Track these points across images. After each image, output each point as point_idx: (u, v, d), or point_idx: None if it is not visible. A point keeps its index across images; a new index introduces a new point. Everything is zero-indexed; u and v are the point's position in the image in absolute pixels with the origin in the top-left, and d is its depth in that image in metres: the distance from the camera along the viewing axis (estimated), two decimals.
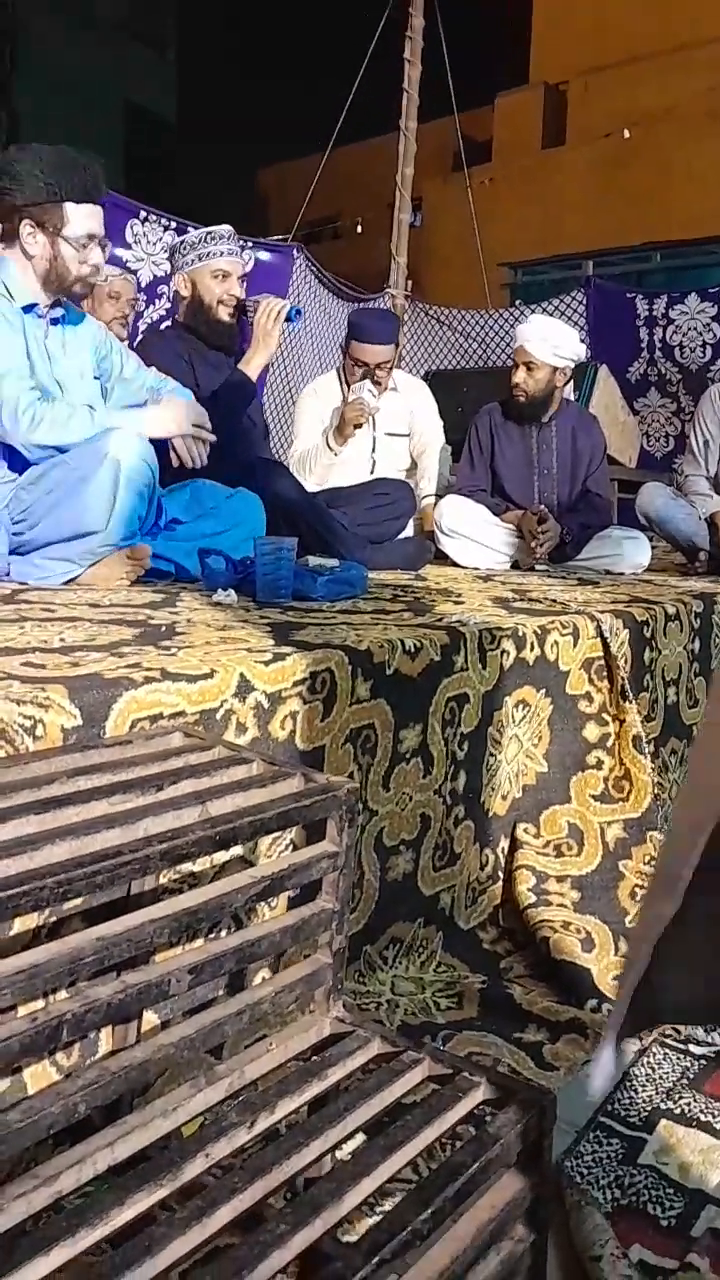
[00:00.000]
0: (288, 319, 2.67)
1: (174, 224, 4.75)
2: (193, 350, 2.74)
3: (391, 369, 3.38)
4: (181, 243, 2.80)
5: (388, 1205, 0.88)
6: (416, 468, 3.69)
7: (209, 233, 2.77)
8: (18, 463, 2.10)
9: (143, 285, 4.55)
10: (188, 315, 2.80)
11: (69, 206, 2.06)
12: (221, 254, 2.74)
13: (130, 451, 1.96)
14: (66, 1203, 0.80)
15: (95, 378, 2.28)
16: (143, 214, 4.67)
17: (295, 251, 5.45)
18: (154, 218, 4.70)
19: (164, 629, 1.57)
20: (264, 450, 2.88)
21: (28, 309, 2.11)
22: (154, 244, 4.67)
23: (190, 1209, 0.75)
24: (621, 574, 3.14)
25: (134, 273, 4.42)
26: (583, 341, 5.91)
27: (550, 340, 3.15)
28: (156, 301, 4.75)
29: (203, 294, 2.74)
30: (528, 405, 3.19)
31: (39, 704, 1.04)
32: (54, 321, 2.20)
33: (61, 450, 2.04)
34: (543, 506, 3.15)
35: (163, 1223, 0.73)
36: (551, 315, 6.01)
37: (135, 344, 2.84)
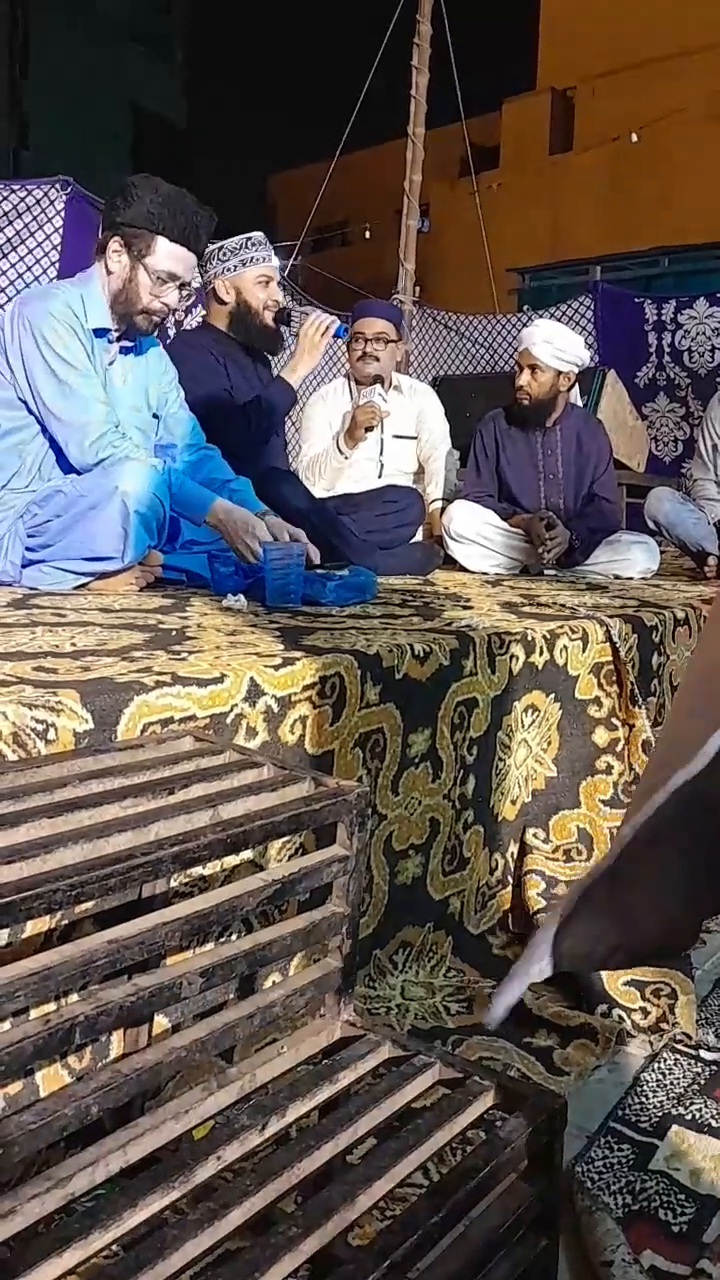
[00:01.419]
0: (336, 335, 2.73)
1: None
2: (227, 354, 2.78)
3: (390, 346, 3.44)
4: (220, 248, 2.81)
5: (398, 1209, 0.88)
6: (424, 472, 3.71)
7: (248, 239, 2.82)
8: (24, 476, 2.11)
9: None
10: (231, 320, 2.83)
11: (161, 240, 2.10)
12: (263, 260, 2.79)
13: (139, 484, 1.97)
14: (79, 1204, 0.81)
15: (154, 415, 2.29)
16: None
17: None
18: None
19: (174, 634, 1.57)
20: (281, 460, 2.91)
21: (99, 333, 2.13)
22: None
23: (202, 1211, 0.75)
24: (630, 579, 3.13)
25: None
26: (591, 346, 5.93)
27: (554, 344, 3.15)
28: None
29: (249, 299, 2.79)
30: (531, 409, 3.20)
31: (51, 708, 1.05)
32: (123, 351, 2.22)
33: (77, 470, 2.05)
34: (550, 511, 3.15)
35: (174, 1225, 0.74)
36: (559, 320, 6.02)
37: (165, 347, 2.85)
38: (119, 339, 2.19)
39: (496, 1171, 0.83)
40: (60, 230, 4.61)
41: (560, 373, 3.16)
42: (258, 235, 2.86)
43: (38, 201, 4.63)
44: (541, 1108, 0.91)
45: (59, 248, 4.61)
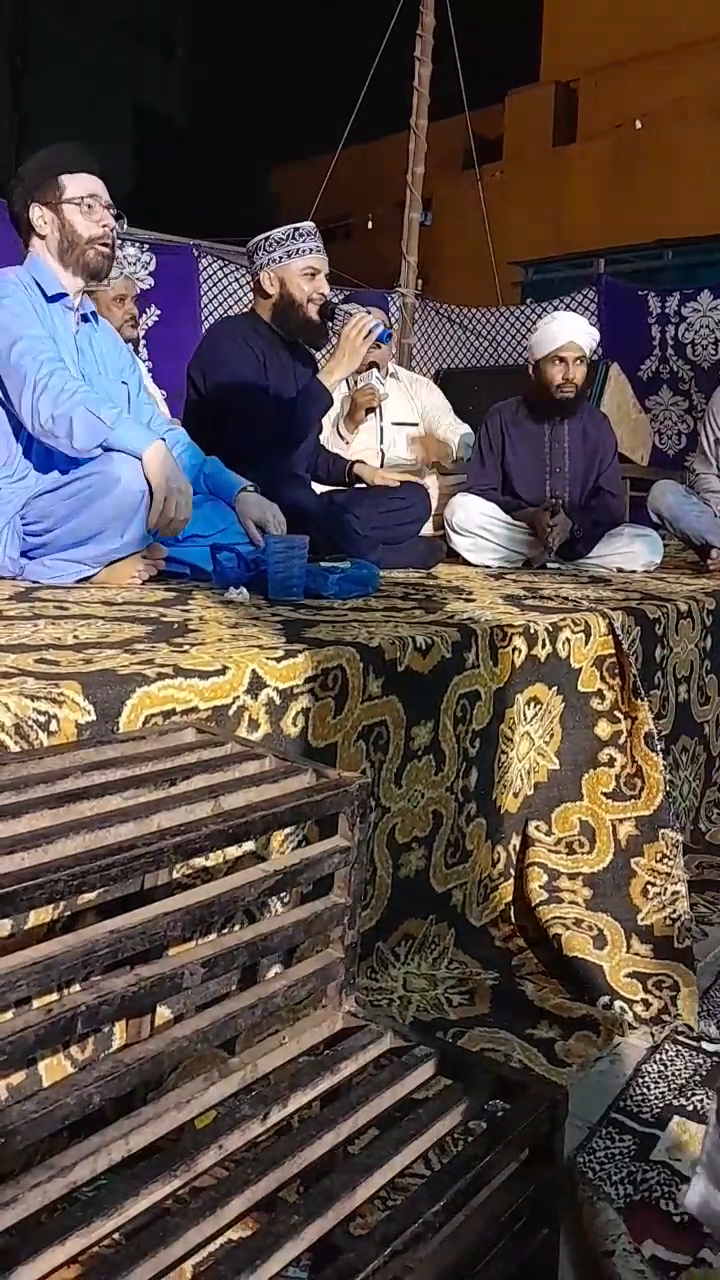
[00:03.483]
0: (380, 340, 2.64)
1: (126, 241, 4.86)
2: (268, 348, 2.71)
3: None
4: (266, 239, 2.73)
5: (399, 1199, 0.88)
6: (434, 439, 3.75)
7: (296, 229, 2.72)
8: (24, 467, 2.11)
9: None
10: (274, 313, 2.74)
11: (63, 177, 2.13)
12: (310, 251, 2.69)
13: (139, 476, 1.96)
14: (81, 1193, 0.81)
15: (123, 382, 2.28)
16: None
17: (195, 252, 5.14)
18: None
19: (176, 626, 1.57)
20: (304, 462, 2.87)
21: (56, 298, 2.14)
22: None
23: (203, 1200, 0.75)
24: (633, 572, 3.13)
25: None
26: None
27: (591, 334, 3.18)
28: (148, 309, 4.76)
29: (293, 291, 2.69)
30: (575, 401, 3.19)
31: (53, 700, 1.05)
32: (84, 318, 2.22)
33: (77, 462, 2.03)
34: (554, 499, 3.13)
35: (176, 1213, 0.74)
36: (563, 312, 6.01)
37: (206, 331, 2.80)
38: (78, 303, 2.20)
39: (497, 1162, 0.83)
40: None
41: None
42: (307, 225, 2.75)
43: None
44: (542, 1098, 0.91)
45: None
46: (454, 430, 3.78)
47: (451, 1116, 0.89)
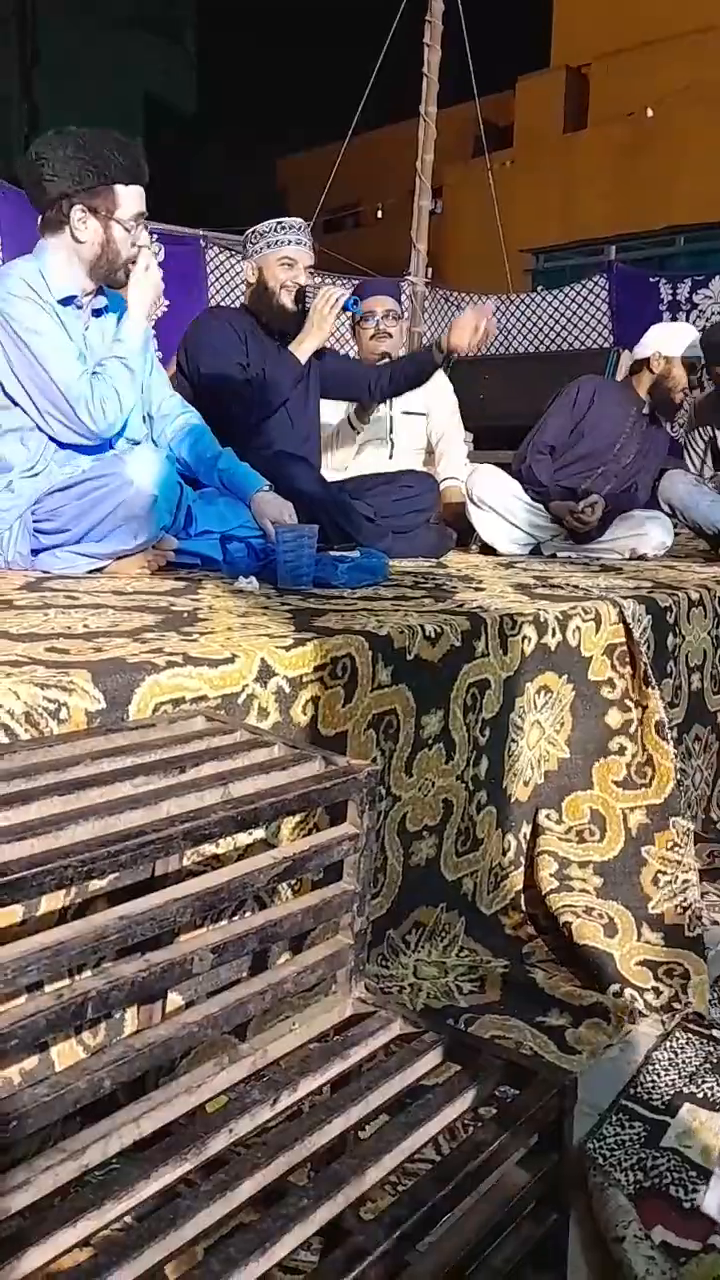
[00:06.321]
0: (345, 308, 2.75)
1: None
2: (249, 330, 2.80)
3: (398, 322, 3.50)
4: (253, 232, 2.86)
5: (408, 1183, 0.89)
6: (434, 453, 3.71)
7: (279, 223, 2.84)
8: (41, 462, 2.11)
9: None
10: (253, 299, 2.87)
11: (119, 189, 2.04)
12: (290, 243, 2.80)
13: (151, 477, 1.97)
14: (92, 1177, 0.82)
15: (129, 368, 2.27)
16: None
17: (203, 242, 5.16)
18: None
19: (186, 615, 1.58)
20: (292, 442, 2.88)
21: (66, 301, 2.09)
22: None
23: (214, 1183, 0.76)
24: (645, 555, 3.12)
25: None
26: (605, 327, 5.88)
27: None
28: None
29: (268, 279, 2.81)
30: (678, 407, 3.22)
31: (63, 688, 1.06)
32: (95, 313, 2.19)
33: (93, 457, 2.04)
34: (596, 496, 3.10)
35: (186, 1196, 0.74)
36: (574, 300, 5.97)
37: (193, 320, 2.88)
38: (89, 300, 2.16)
39: (506, 1147, 0.83)
40: None
41: None
42: (292, 220, 2.87)
43: None
44: (551, 1084, 0.91)
45: None
46: (458, 459, 3.73)
47: (460, 1102, 0.89)
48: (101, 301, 2.20)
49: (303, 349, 2.74)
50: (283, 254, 2.78)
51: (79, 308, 2.13)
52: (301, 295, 2.79)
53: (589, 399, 3.21)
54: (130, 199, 2.07)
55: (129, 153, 2.06)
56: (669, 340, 3.16)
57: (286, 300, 2.79)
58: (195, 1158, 0.80)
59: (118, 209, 2.05)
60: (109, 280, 2.15)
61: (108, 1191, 0.74)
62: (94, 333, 2.19)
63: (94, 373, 2.08)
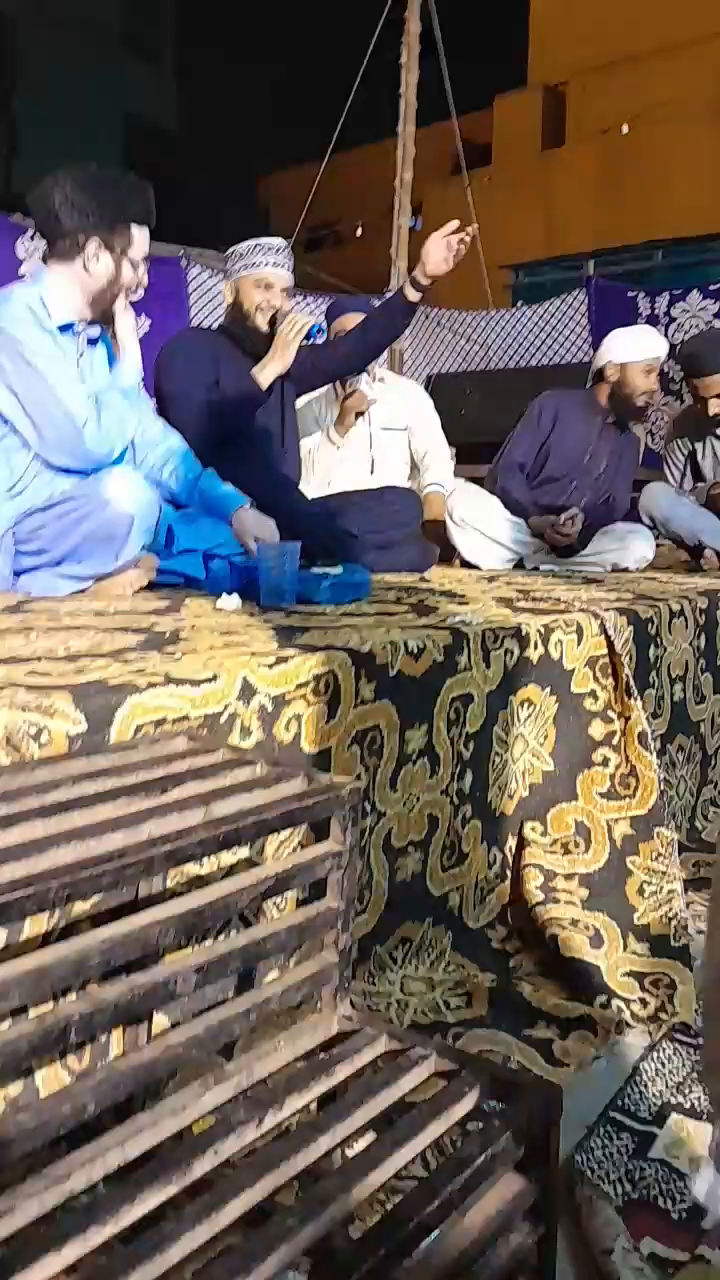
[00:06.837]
0: (308, 336, 2.75)
1: None
2: (221, 352, 2.80)
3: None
4: (233, 252, 2.86)
5: (396, 1199, 0.89)
6: (417, 468, 3.74)
7: (258, 244, 2.84)
8: (22, 483, 2.11)
9: None
10: (228, 320, 2.90)
11: (134, 228, 2.12)
12: (267, 264, 2.80)
13: (129, 497, 1.98)
14: (77, 1202, 0.81)
15: (124, 395, 2.30)
16: (30, 232, 4.86)
17: (184, 262, 5.12)
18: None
19: (168, 635, 1.58)
20: (281, 464, 2.89)
21: (64, 329, 2.12)
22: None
23: (200, 1205, 0.76)
24: (627, 569, 3.14)
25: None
26: (585, 341, 5.92)
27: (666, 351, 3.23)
28: None
29: (244, 300, 2.82)
30: (644, 410, 3.23)
31: (44, 711, 1.06)
32: (91, 342, 2.22)
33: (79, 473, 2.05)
34: (575, 510, 3.12)
35: (172, 1219, 0.74)
36: (553, 315, 6.03)
37: (169, 340, 2.89)
38: (85, 328, 2.19)
39: (492, 1161, 0.84)
40: None
41: None
42: (270, 241, 2.86)
43: None
44: (537, 1098, 0.91)
45: None
46: (444, 468, 3.76)
47: (447, 1117, 0.89)
48: (95, 331, 2.24)
49: (264, 374, 2.73)
50: (259, 275, 2.79)
51: (75, 335, 2.17)
52: (275, 319, 2.79)
53: (552, 416, 3.24)
54: (142, 239, 2.14)
55: (144, 195, 2.15)
56: (622, 348, 3.18)
57: (261, 322, 2.79)
58: (181, 1181, 0.80)
59: (131, 247, 2.13)
60: (105, 314, 2.19)
61: (93, 1217, 0.74)
62: (87, 361, 2.22)
63: (99, 402, 2.11)
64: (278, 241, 2.88)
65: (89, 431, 2.05)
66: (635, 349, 3.15)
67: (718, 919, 0.77)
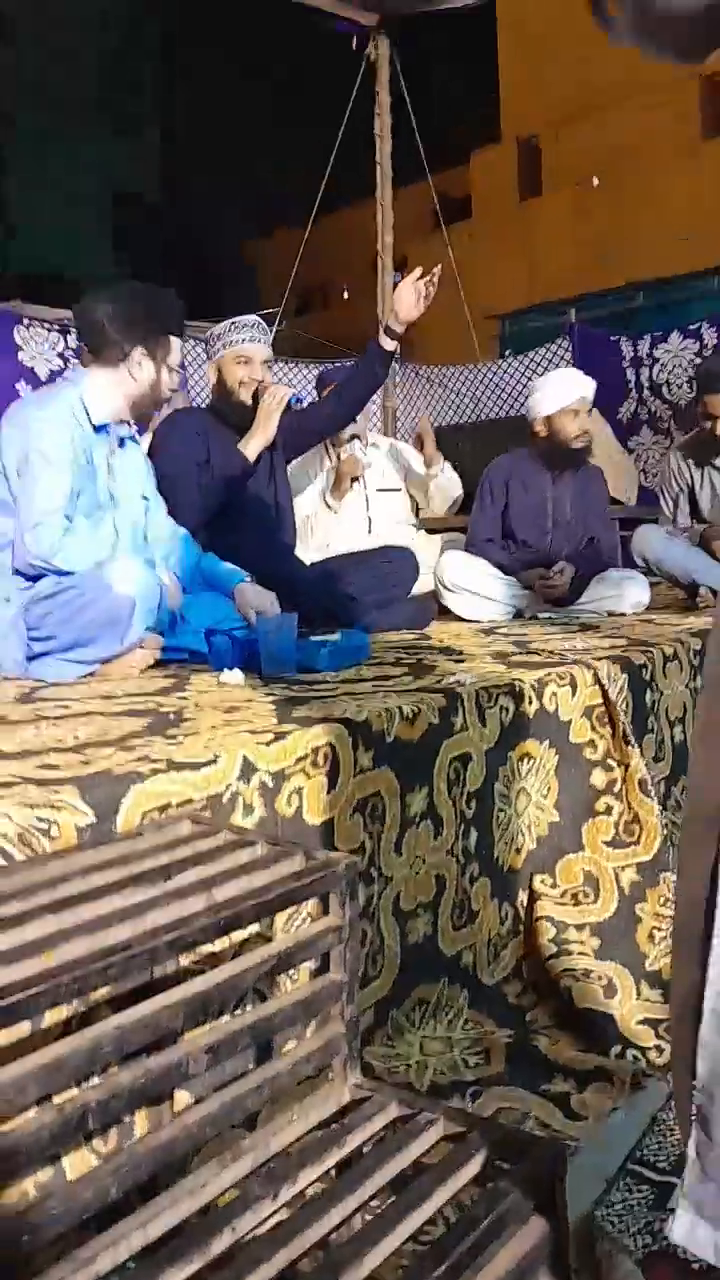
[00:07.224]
0: (288, 406, 2.89)
1: (56, 325, 5.11)
2: (211, 429, 2.93)
3: None
4: (211, 334, 3.03)
5: (409, 1262, 0.92)
6: (416, 526, 3.86)
7: (233, 323, 3.00)
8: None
9: (42, 379, 4.97)
10: (215, 399, 3.04)
11: (174, 339, 2.36)
12: (244, 341, 2.96)
13: (130, 581, 2.09)
14: None
15: (144, 498, 2.45)
16: (26, 320, 5.12)
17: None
18: (36, 322, 5.14)
19: (172, 716, 1.64)
20: (280, 534, 2.99)
21: (99, 429, 2.28)
22: (42, 343, 5.10)
23: None
24: (624, 614, 3.19)
25: (38, 374, 4.91)
26: None
27: (592, 383, 3.30)
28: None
29: (226, 378, 2.97)
30: (588, 450, 3.30)
31: (53, 806, 1.11)
32: (120, 441, 2.38)
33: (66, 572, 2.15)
34: (564, 564, 3.20)
35: None
36: (539, 363, 6.15)
37: (161, 421, 3.02)
38: (117, 427, 2.35)
39: (502, 1219, 0.87)
40: None
41: None
42: (244, 319, 3.01)
43: None
44: (543, 1154, 0.95)
45: None
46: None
47: (456, 1179, 0.92)
48: (126, 430, 2.39)
49: (250, 448, 2.86)
50: (238, 352, 2.93)
51: (109, 435, 2.33)
52: (258, 393, 2.91)
53: (503, 483, 3.35)
54: (177, 347, 2.38)
55: (179, 308, 2.40)
56: (544, 400, 3.28)
57: (245, 396, 2.92)
58: (202, 1258, 0.84)
59: (171, 355, 2.35)
60: (142, 416, 2.38)
61: None
62: (116, 461, 2.36)
63: (114, 500, 2.28)
64: (250, 319, 3.03)
65: (39, 530, 2.13)
66: (557, 398, 3.25)
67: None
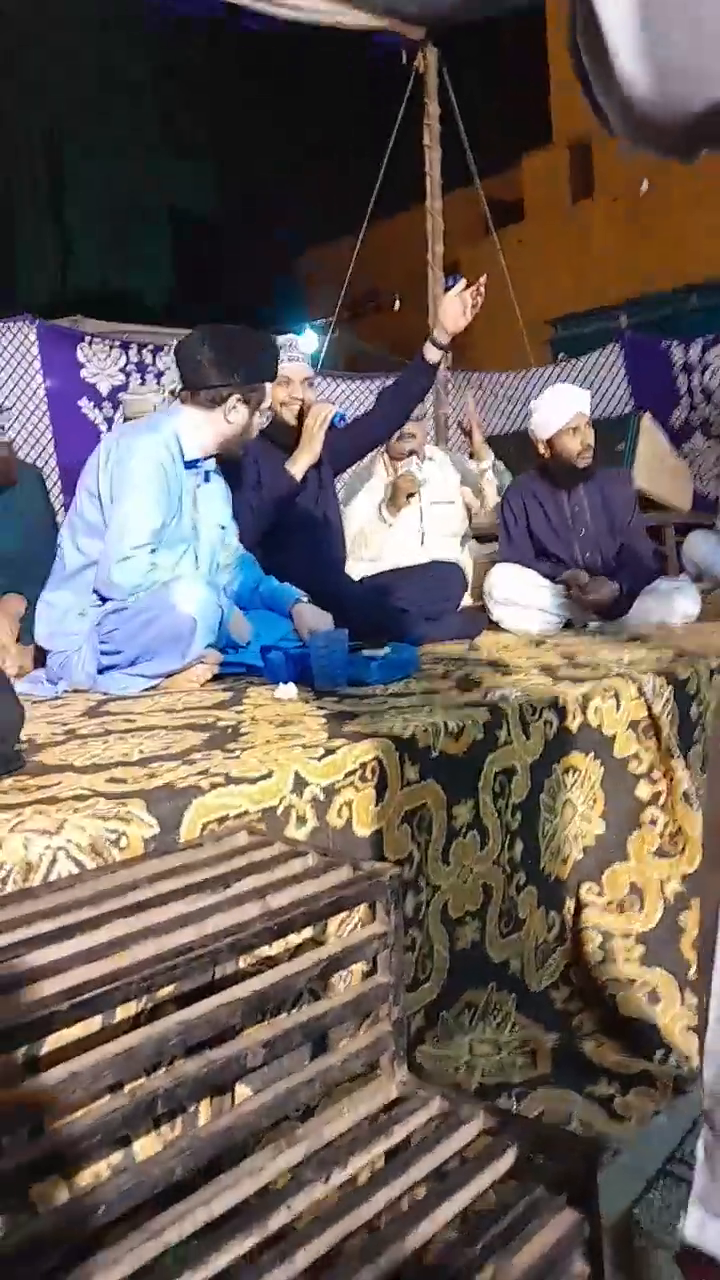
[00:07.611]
0: (332, 424, 2.98)
1: (117, 341, 5.25)
2: (260, 451, 3.01)
3: (418, 423, 3.83)
4: None
5: (446, 1245, 0.99)
6: (470, 536, 3.94)
7: None
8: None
9: (104, 395, 5.13)
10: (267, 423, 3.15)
11: (267, 385, 2.51)
12: (281, 361, 3.01)
13: (192, 601, 2.20)
14: (171, 1254, 0.93)
15: (222, 526, 2.58)
16: (88, 338, 5.29)
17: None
18: (98, 339, 5.30)
19: (229, 731, 1.73)
20: (329, 549, 3.08)
21: (190, 464, 2.42)
22: (105, 359, 5.27)
23: (275, 1253, 0.87)
24: (674, 625, 3.21)
25: (100, 390, 5.07)
26: (625, 391, 6.04)
27: (586, 395, 3.35)
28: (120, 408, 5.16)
29: (272, 401, 3.04)
30: (592, 462, 3.34)
31: (122, 818, 1.21)
32: (205, 475, 2.52)
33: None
34: (605, 580, 3.24)
35: (249, 1271, 0.86)
36: (590, 370, 6.17)
37: None
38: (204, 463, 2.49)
39: (532, 1207, 0.94)
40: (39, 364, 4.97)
41: None
42: (280, 340, 3.09)
43: (14, 338, 4.98)
44: (575, 1150, 1.01)
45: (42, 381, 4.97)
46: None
47: (494, 1169, 0.99)
48: (211, 464, 2.53)
49: (296, 467, 2.95)
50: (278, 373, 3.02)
51: (197, 469, 2.47)
52: (302, 413, 3.00)
53: (521, 506, 3.40)
54: (269, 393, 2.53)
55: (276, 356, 2.52)
56: (541, 424, 3.32)
57: (289, 417, 3.01)
58: (260, 1233, 0.92)
59: (264, 402, 2.51)
60: (231, 454, 2.52)
61: (184, 1266, 0.86)
62: (202, 494, 2.51)
63: (196, 532, 2.43)
64: (286, 338, 3.14)
65: (123, 563, 2.26)
66: (553, 421, 3.29)
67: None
